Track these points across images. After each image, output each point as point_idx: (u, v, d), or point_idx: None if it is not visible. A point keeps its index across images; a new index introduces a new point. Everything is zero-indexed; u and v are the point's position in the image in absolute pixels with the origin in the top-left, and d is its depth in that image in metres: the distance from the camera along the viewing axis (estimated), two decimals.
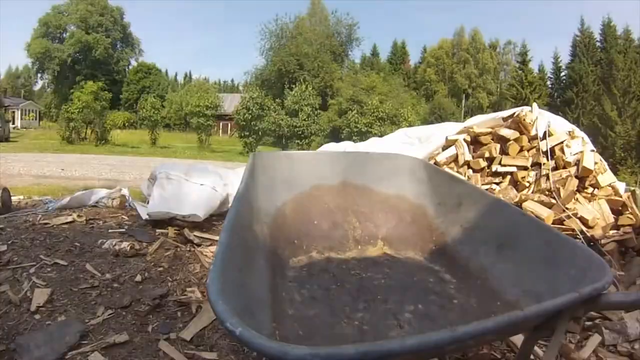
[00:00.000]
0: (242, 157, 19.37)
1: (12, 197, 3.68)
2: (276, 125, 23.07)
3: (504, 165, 3.42)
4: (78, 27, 43.28)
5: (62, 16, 43.78)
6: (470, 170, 3.55)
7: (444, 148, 3.77)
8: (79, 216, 3.17)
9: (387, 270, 1.57)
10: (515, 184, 3.40)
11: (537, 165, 3.41)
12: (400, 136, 4.29)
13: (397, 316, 1.27)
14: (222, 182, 3.35)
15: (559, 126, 3.69)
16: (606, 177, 3.34)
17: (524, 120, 3.51)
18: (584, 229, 2.88)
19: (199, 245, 2.85)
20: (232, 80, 64.88)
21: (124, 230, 2.98)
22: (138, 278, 2.27)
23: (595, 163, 3.33)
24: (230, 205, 1.24)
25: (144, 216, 3.14)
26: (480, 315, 1.23)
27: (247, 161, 1.72)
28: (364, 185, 1.94)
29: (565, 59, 37.22)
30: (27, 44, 43.00)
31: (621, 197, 3.22)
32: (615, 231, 2.95)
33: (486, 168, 3.52)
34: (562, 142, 3.44)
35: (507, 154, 3.46)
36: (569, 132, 3.60)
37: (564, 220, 2.93)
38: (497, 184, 3.44)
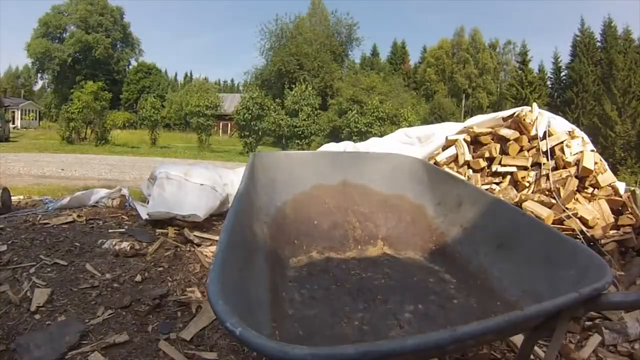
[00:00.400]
0: (242, 157, 19.37)
1: (12, 197, 3.68)
2: (276, 125, 23.06)
3: (504, 165, 3.42)
4: (78, 27, 43.29)
5: (62, 16, 43.78)
6: (470, 170, 3.55)
7: (444, 148, 3.77)
8: (79, 216, 3.17)
9: (387, 270, 1.57)
10: (515, 184, 3.40)
11: (537, 165, 3.41)
12: (400, 136, 4.28)
13: (397, 316, 1.27)
14: (222, 182, 3.35)
15: (559, 126, 3.69)
16: (606, 177, 3.34)
17: (524, 120, 3.51)
18: (584, 229, 2.88)
19: (199, 245, 2.85)
20: (232, 80, 64.96)
21: (124, 230, 2.98)
22: (138, 278, 2.27)
23: (595, 163, 3.33)
24: (230, 205, 1.24)
25: (144, 216, 3.14)
26: (480, 315, 1.24)
27: (247, 161, 1.72)
28: (364, 185, 1.94)
29: (565, 59, 37.25)
30: (27, 44, 43.01)
31: (621, 197, 3.22)
32: (615, 231, 2.95)
33: (486, 168, 3.52)
34: (562, 142, 3.44)
35: (507, 154, 3.46)
36: (569, 132, 3.60)
37: (564, 220, 2.92)
38: (497, 184, 3.44)
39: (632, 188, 3.79)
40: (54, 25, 43.42)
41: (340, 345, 0.66)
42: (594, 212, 3.05)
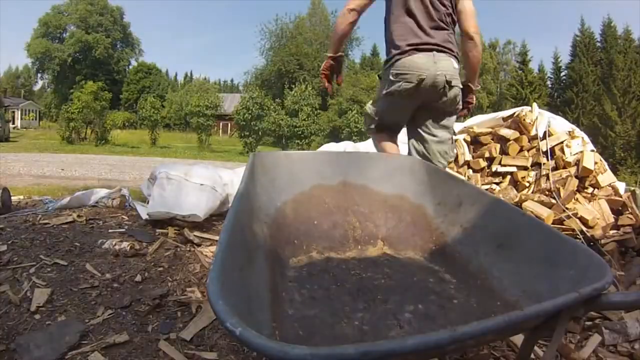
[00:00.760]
0: (242, 157, 19.38)
1: (12, 197, 3.68)
2: (276, 125, 23.09)
3: (504, 165, 3.43)
4: (78, 27, 43.33)
5: (62, 16, 43.83)
6: (470, 170, 3.55)
7: None
8: (79, 216, 3.17)
9: (387, 270, 1.57)
10: (515, 183, 3.40)
11: (537, 165, 3.42)
12: (400, 136, 4.29)
13: (397, 316, 1.27)
14: (222, 182, 3.35)
15: (559, 126, 3.70)
16: (606, 177, 3.34)
17: (524, 120, 3.52)
18: (584, 229, 2.88)
19: (199, 245, 2.85)
20: (232, 80, 65.12)
21: (124, 230, 2.98)
22: (138, 278, 2.27)
23: (595, 163, 3.33)
24: (230, 205, 1.24)
25: (144, 216, 3.14)
26: (480, 315, 1.24)
27: (247, 161, 1.72)
28: (364, 185, 1.94)
29: (565, 59, 37.30)
30: (27, 44, 43.10)
31: (621, 197, 3.22)
32: (615, 231, 2.95)
33: (486, 168, 3.52)
34: (562, 142, 3.45)
35: (507, 154, 3.46)
36: (569, 132, 3.61)
37: (564, 220, 2.93)
38: (497, 184, 3.45)
39: (632, 188, 3.80)
40: (54, 25, 43.47)
41: (340, 345, 0.66)
42: (594, 212, 3.05)
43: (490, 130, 3.65)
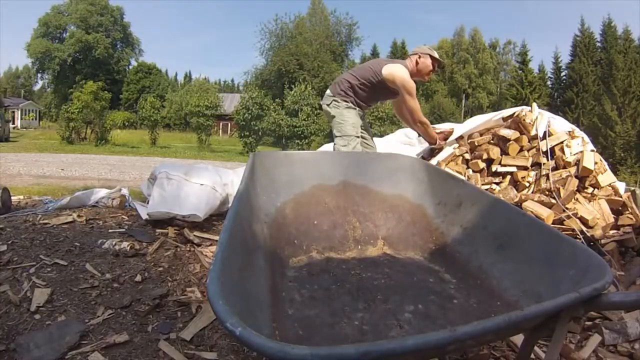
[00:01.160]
0: (242, 157, 19.37)
1: (12, 197, 3.68)
2: (276, 125, 23.07)
3: (504, 165, 3.42)
4: (78, 27, 43.29)
5: (62, 16, 43.80)
6: (470, 170, 3.55)
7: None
8: (79, 216, 3.17)
9: (387, 270, 1.57)
10: (515, 183, 3.40)
11: (537, 165, 3.41)
12: (400, 136, 4.30)
13: (397, 316, 1.27)
14: (222, 182, 3.35)
15: (559, 126, 3.69)
16: (606, 177, 3.34)
17: (524, 120, 3.52)
18: (584, 228, 2.88)
19: (199, 245, 2.85)
20: (232, 80, 65.04)
21: (124, 230, 2.98)
22: (138, 278, 2.27)
23: (595, 163, 3.33)
24: (230, 205, 1.24)
25: (144, 216, 3.14)
26: (480, 315, 1.24)
27: (247, 161, 1.72)
28: (364, 185, 1.94)
29: (565, 59, 37.34)
30: (27, 44, 43.06)
31: (621, 197, 3.22)
32: (615, 231, 2.95)
33: (485, 168, 3.52)
34: (562, 142, 3.44)
35: (507, 153, 3.46)
36: (569, 132, 3.60)
37: (564, 220, 2.92)
38: (497, 184, 3.44)
39: (632, 188, 3.79)
40: (54, 25, 43.45)
41: (340, 345, 0.66)
42: (594, 212, 3.05)
43: (484, 139, 3.65)
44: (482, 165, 3.49)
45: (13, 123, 31.03)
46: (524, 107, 3.89)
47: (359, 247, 1.73)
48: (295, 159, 1.95)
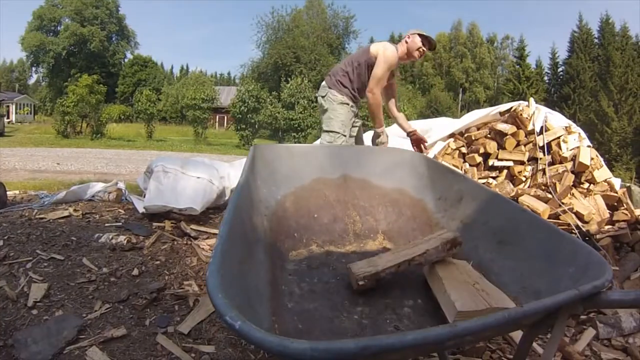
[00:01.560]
0: (239, 150, 19.32)
1: (8, 192, 3.66)
2: (272, 118, 22.97)
3: (501, 160, 3.43)
4: (73, 19, 42.79)
5: (56, 9, 43.24)
6: (467, 164, 3.56)
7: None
8: (75, 210, 3.15)
9: None
10: (512, 178, 3.41)
11: (533, 159, 3.43)
12: (398, 130, 4.28)
13: (397, 311, 1.27)
14: (219, 175, 3.34)
15: (555, 121, 3.70)
16: (602, 173, 3.36)
17: (521, 115, 3.52)
18: (580, 223, 2.90)
19: (195, 238, 2.85)
20: (229, 73, 64.76)
21: (120, 224, 2.97)
22: (135, 272, 2.27)
23: (592, 159, 3.34)
24: (229, 198, 1.24)
25: (141, 210, 3.13)
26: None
27: (244, 154, 1.71)
28: (364, 179, 1.94)
29: (562, 54, 37.41)
30: (21, 37, 42.53)
31: (617, 192, 3.24)
32: (610, 226, 2.97)
33: (482, 162, 3.53)
34: (558, 138, 3.46)
35: (504, 148, 3.46)
36: (566, 127, 3.61)
37: (560, 215, 2.94)
38: (494, 177, 3.45)
39: (628, 184, 3.82)
40: (48, 18, 42.90)
41: (340, 340, 0.66)
42: (590, 207, 3.07)
43: (480, 133, 3.66)
44: (479, 159, 3.50)
45: (8, 117, 30.72)
46: (521, 102, 3.90)
47: (359, 241, 1.73)
48: (296, 151, 1.94)
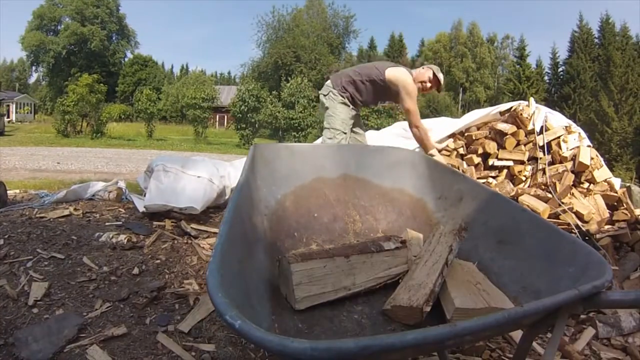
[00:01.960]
0: (239, 149, 19.32)
1: (8, 191, 3.66)
2: (272, 118, 22.97)
3: (501, 159, 3.43)
4: (73, 19, 42.77)
5: (56, 8, 43.23)
6: (465, 164, 3.55)
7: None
8: (75, 209, 3.15)
9: None
10: (512, 177, 3.41)
11: (533, 159, 3.42)
12: (398, 130, 4.29)
13: None
14: (219, 174, 3.34)
15: (556, 121, 3.70)
16: (602, 173, 3.35)
17: (521, 114, 3.52)
18: (580, 223, 2.89)
19: (196, 237, 2.85)
20: (229, 73, 64.78)
21: (120, 223, 2.97)
22: (135, 271, 2.27)
23: (592, 158, 3.34)
24: (229, 197, 1.24)
25: (141, 209, 3.13)
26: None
27: (244, 153, 1.72)
28: (365, 179, 1.94)
29: (563, 54, 37.34)
30: (21, 36, 42.53)
31: (617, 192, 3.24)
32: (610, 226, 2.97)
33: (481, 163, 3.52)
34: (558, 137, 3.45)
35: (504, 147, 3.46)
36: (566, 127, 3.61)
37: (560, 215, 2.94)
38: (494, 177, 3.45)
39: (628, 184, 3.82)
40: (48, 18, 42.89)
41: (340, 339, 0.66)
42: (590, 207, 3.07)
43: (480, 134, 3.66)
44: (478, 160, 3.50)
45: (8, 117, 30.71)
46: (521, 101, 3.89)
47: (359, 240, 1.73)
48: (296, 151, 1.94)
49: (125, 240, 2.55)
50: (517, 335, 1.71)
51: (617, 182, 3.49)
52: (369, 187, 1.92)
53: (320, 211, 1.76)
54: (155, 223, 3.00)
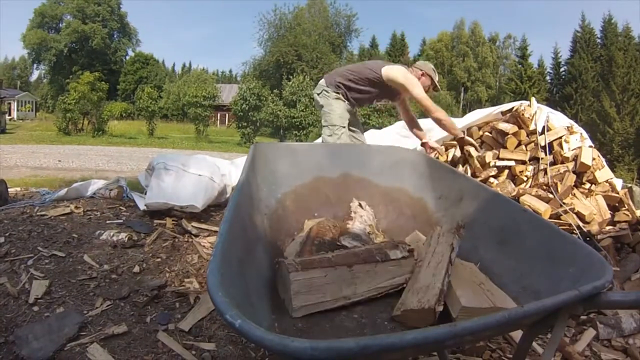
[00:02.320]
0: (240, 147, 19.32)
1: (9, 189, 3.66)
2: (274, 116, 22.96)
3: (502, 159, 3.42)
4: (74, 16, 42.78)
5: (57, 6, 43.23)
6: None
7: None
8: (76, 207, 3.16)
9: None
10: (513, 177, 3.40)
11: (535, 159, 3.42)
12: (399, 129, 4.28)
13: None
14: (220, 172, 3.34)
15: (557, 121, 3.69)
16: (604, 173, 3.35)
17: (523, 114, 3.51)
18: (581, 224, 2.89)
19: (196, 235, 2.85)
20: (231, 71, 64.70)
21: (121, 221, 2.97)
22: (136, 269, 2.27)
23: (593, 159, 3.33)
24: (230, 196, 1.24)
25: (142, 207, 3.14)
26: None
27: (245, 152, 1.72)
28: (365, 178, 1.94)
29: (565, 54, 37.23)
30: (22, 34, 42.55)
31: (618, 193, 3.23)
32: (611, 227, 2.96)
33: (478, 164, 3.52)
34: (560, 137, 3.45)
35: (505, 147, 3.45)
36: (568, 127, 3.60)
37: (561, 215, 2.93)
38: (495, 177, 3.44)
39: (629, 185, 3.81)
40: (50, 15, 42.89)
41: (340, 339, 0.66)
42: (591, 207, 3.06)
43: (479, 129, 3.66)
44: (478, 164, 3.49)
45: (9, 115, 30.76)
46: (523, 101, 3.89)
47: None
48: (296, 150, 1.94)
49: (126, 238, 2.55)
50: (517, 335, 1.70)
51: (618, 183, 3.49)
52: (370, 187, 1.92)
53: (320, 210, 1.76)
54: (156, 221, 3.00)
